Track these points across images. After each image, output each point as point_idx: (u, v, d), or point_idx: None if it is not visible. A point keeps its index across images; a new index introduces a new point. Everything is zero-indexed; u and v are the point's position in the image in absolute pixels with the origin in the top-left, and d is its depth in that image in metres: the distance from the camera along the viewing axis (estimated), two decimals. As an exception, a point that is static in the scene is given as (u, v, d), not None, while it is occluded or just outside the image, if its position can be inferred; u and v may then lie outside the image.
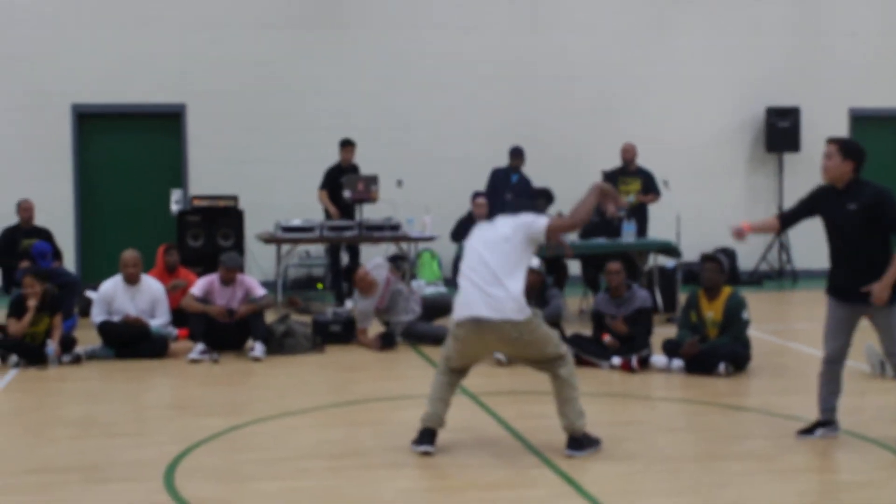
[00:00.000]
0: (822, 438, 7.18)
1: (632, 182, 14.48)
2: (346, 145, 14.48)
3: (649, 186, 14.54)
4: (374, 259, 11.92)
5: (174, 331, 10.95)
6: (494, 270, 6.76)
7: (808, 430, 7.26)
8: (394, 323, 11.28)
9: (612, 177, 14.47)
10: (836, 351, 7.23)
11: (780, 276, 17.49)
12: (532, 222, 6.86)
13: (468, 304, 6.82)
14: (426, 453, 6.85)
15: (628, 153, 14.57)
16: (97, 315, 10.69)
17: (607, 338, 10.05)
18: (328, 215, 14.25)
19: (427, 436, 6.94)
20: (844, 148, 7.04)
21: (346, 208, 14.18)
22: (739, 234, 7.39)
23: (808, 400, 8.51)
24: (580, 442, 6.85)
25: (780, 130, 17.37)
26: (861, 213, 6.94)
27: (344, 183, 13.94)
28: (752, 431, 7.68)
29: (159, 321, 10.72)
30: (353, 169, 14.43)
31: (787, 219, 7.49)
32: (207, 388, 9.29)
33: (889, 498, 6.04)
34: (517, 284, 6.75)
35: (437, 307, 11.68)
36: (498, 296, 6.70)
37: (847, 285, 7.06)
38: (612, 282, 10.12)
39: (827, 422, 7.26)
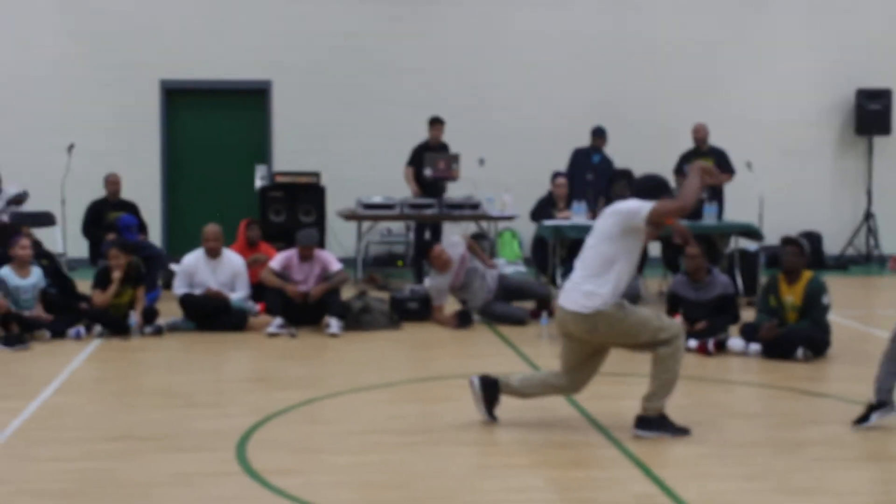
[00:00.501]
0: (879, 421, 6.99)
1: (705, 161, 14.28)
2: (435, 123, 14.49)
3: (723, 165, 14.35)
4: (450, 237, 11.94)
5: (255, 306, 11.09)
6: (586, 265, 6.82)
7: (863, 418, 7.05)
8: (471, 301, 11.30)
9: (685, 158, 14.34)
10: None
11: (868, 260, 17.15)
12: (634, 212, 6.71)
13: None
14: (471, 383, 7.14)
15: (699, 132, 14.43)
16: (179, 287, 10.87)
17: (678, 318, 9.96)
18: (414, 193, 14.30)
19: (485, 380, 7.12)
20: None
21: (428, 186, 14.20)
22: None
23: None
24: (648, 422, 6.81)
25: (871, 112, 17.02)
26: None
27: (426, 161, 13.98)
28: (829, 417, 7.56)
29: (239, 294, 10.88)
30: (442, 147, 14.44)
31: None
32: (284, 362, 9.41)
33: (966, 488, 5.94)
34: (605, 280, 6.72)
35: (515, 291, 11.60)
36: (580, 289, 6.76)
37: None
38: (690, 266, 10.03)
39: (882, 403, 7.04)
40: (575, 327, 6.79)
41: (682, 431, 6.86)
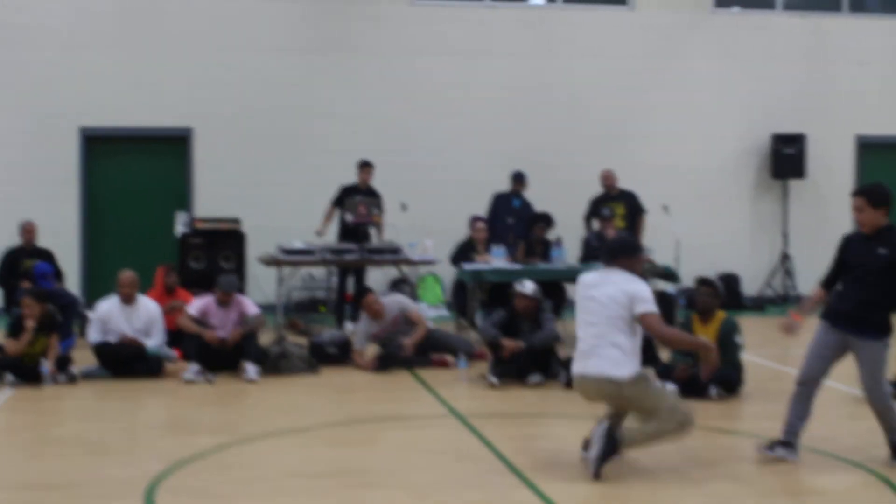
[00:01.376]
0: (782, 456, 7.21)
1: (616, 206, 14.54)
2: (365, 166, 14.51)
3: (634, 207, 14.59)
4: (397, 294, 11.84)
5: (173, 353, 10.98)
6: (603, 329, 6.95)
7: (769, 447, 7.30)
8: (393, 345, 11.24)
9: (597, 203, 14.54)
10: (813, 373, 7.28)
11: (785, 301, 17.42)
12: (639, 303, 6.92)
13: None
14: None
15: (608, 179, 14.79)
16: (93, 335, 10.75)
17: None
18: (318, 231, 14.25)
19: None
20: (872, 198, 7.08)
21: (349, 230, 14.18)
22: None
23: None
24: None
25: (786, 157, 17.35)
26: (890, 257, 7.03)
27: (346, 206, 13.98)
28: (739, 455, 7.65)
29: (154, 341, 10.77)
30: (370, 192, 14.45)
31: (829, 282, 7.52)
32: (199, 408, 9.32)
33: (868, 522, 6.03)
34: (626, 344, 6.92)
35: (438, 343, 11.49)
36: (605, 355, 6.91)
37: (845, 313, 7.16)
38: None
39: (787, 444, 7.28)
40: (599, 390, 7.04)
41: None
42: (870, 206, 7.05)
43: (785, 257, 17.44)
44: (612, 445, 6.81)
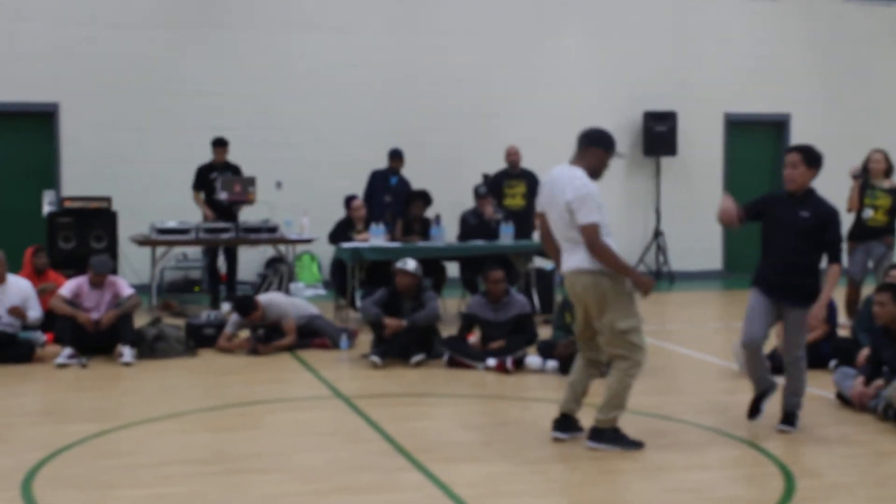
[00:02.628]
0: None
1: (517, 184, 14.57)
2: (219, 145, 14.27)
3: (535, 188, 14.61)
4: (279, 298, 11.49)
5: (42, 336, 10.65)
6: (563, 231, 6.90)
7: (755, 409, 7.55)
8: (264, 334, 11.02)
9: (496, 179, 14.55)
10: (755, 334, 7.36)
11: (658, 277, 17.73)
12: (580, 212, 6.76)
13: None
14: (555, 439, 7.11)
15: (513, 156, 14.67)
16: None
17: (472, 338, 10.08)
18: (205, 216, 14.02)
19: (559, 422, 7.13)
20: (808, 156, 7.16)
21: (221, 209, 13.96)
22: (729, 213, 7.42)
23: (678, 400, 8.69)
24: (601, 433, 6.93)
25: (658, 134, 17.63)
26: (811, 222, 7.14)
27: (220, 184, 13.75)
28: (624, 430, 7.73)
29: (34, 313, 10.42)
30: (227, 168, 14.22)
31: (749, 210, 7.61)
32: (74, 394, 9.05)
33: (755, 495, 6.13)
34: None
35: (316, 330, 11.35)
36: (582, 248, 6.81)
37: (776, 281, 7.29)
38: (494, 290, 10.14)
39: (765, 392, 7.55)
40: (582, 285, 6.89)
41: (635, 445, 6.94)
42: (804, 164, 7.12)
43: (658, 233, 17.73)
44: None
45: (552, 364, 9.69)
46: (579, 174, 6.90)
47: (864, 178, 11.61)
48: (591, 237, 6.74)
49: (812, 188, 7.23)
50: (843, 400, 8.23)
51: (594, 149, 7.04)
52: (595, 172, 7.02)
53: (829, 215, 7.15)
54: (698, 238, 18.23)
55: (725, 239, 18.48)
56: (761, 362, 7.47)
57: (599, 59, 17.77)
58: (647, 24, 17.98)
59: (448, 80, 17.07)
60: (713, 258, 18.44)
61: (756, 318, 7.35)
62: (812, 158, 7.17)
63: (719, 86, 18.26)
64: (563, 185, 6.89)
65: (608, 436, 6.93)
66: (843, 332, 10.55)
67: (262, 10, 16.42)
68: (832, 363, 9.48)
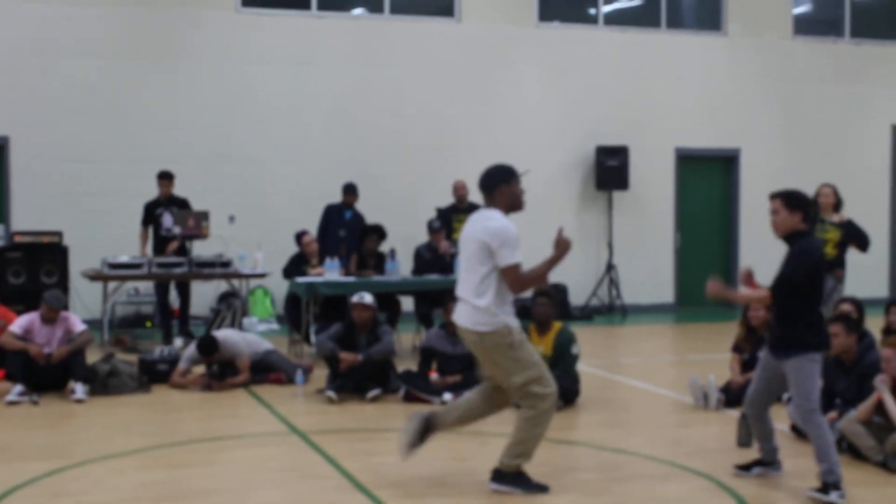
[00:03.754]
0: (756, 476, 7.20)
1: (465, 218, 14.52)
2: (164, 178, 14.21)
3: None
4: (233, 335, 11.37)
5: (-9, 373, 10.53)
6: (469, 279, 6.76)
7: (746, 467, 7.28)
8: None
9: (445, 214, 14.58)
10: (750, 392, 7.15)
11: (611, 310, 17.83)
12: (503, 254, 6.67)
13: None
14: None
15: (460, 190, 14.72)
16: None
17: (434, 375, 10.06)
18: (143, 254, 13.92)
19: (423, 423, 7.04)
20: (789, 201, 6.85)
21: (164, 242, 13.89)
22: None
23: (633, 433, 8.73)
24: (503, 476, 6.83)
25: (610, 169, 17.76)
26: (781, 269, 6.82)
27: (174, 218, 13.68)
28: (579, 464, 7.78)
29: None
30: (173, 202, 14.15)
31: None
32: (26, 432, 8.92)
33: (710, 528, 6.17)
34: (481, 291, 6.68)
35: (271, 365, 11.23)
36: (465, 301, 6.75)
37: (773, 337, 6.97)
38: (453, 323, 10.12)
39: (769, 462, 7.28)
40: (469, 341, 6.81)
41: (538, 488, 6.83)
42: (785, 209, 6.82)
43: (610, 267, 17.84)
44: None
45: (508, 398, 9.67)
46: (497, 215, 6.83)
47: (814, 213, 11.75)
48: (513, 278, 6.67)
49: (802, 230, 6.82)
50: (798, 432, 8.30)
51: (499, 188, 6.91)
52: (514, 206, 6.95)
53: (790, 254, 6.79)
54: (650, 272, 18.36)
55: (677, 272, 18.62)
56: (763, 424, 7.15)
57: (553, 94, 17.91)
58: (600, 59, 18.15)
59: (403, 115, 17.11)
60: (665, 292, 18.57)
61: (757, 377, 7.11)
62: (793, 202, 6.83)
63: (671, 121, 18.46)
64: (478, 224, 6.86)
65: (510, 479, 6.82)
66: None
67: (218, 41, 16.39)
68: (785, 396, 9.55)
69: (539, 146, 17.77)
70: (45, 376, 10.21)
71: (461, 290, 6.84)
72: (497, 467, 6.89)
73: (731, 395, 9.62)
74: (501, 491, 6.79)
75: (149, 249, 14.10)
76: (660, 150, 18.44)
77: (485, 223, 6.77)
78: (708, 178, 18.94)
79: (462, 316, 6.79)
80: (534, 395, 6.69)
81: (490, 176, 6.96)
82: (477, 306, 6.67)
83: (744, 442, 8.02)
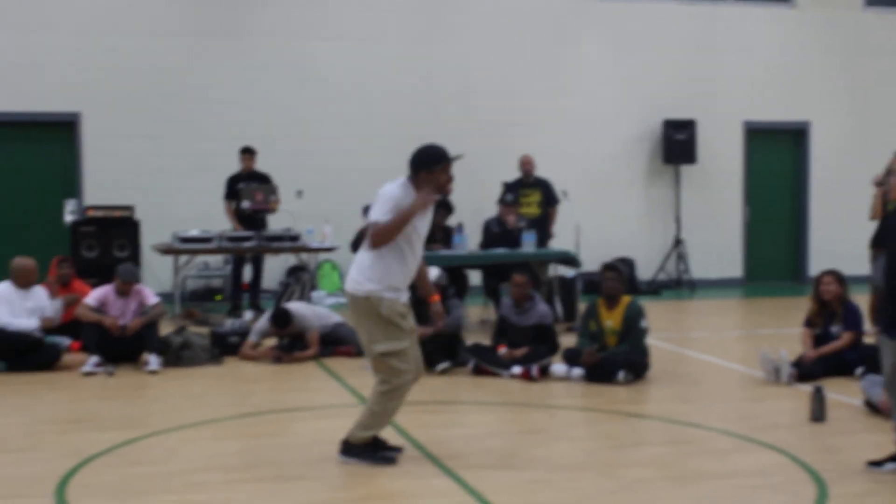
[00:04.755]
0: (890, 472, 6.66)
1: (531, 193, 14.60)
2: (246, 153, 14.34)
3: (549, 196, 14.68)
4: (305, 308, 11.42)
5: (66, 341, 10.70)
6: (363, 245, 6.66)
7: (879, 462, 6.71)
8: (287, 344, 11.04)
9: (512, 188, 14.57)
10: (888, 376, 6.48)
11: (678, 285, 17.72)
12: (372, 211, 6.50)
13: None
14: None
15: (527, 165, 14.71)
16: (3, 316, 10.33)
17: (503, 349, 10.05)
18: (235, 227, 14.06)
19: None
20: None
21: (246, 218, 14.00)
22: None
23: (705, 407, 8.68)
24: (350, 448, 6.78)
25: (677, 143, 17.61)
26: None
27: (242, 193, 13.79)
28: (651, 438, 7.74)
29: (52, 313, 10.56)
30: (254, 176, 14.27)
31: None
32: (102, 402, 9.08)
33: (784, 500, 6.11)
34: (370, 257, 6.57)
35: (340, 339, 11.32)
36: (355, 264, 6.67)
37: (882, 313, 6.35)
38: (515, 294, 10.16)
39: None
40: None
41: (385, 460, 6.76)
42: None
43: (678, 242, 17.71)
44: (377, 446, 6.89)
45: (577, 371, 9.68)
46: (396, 182, 6.61)
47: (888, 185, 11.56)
48: (372, 232, 6.44)
49: None
50: (872, 407, 8.20)
51: (419, 174, 6.58)
52: (438, 190, 6.61)
53: None
54: (718, 246, 18.21)
55: (746, 247, 18.45)
56: None
57: (619, 68, 17.78)
58: (667, 32, 17.98)
59: (469, 89, 17.10)
60: (733, 266, 18.41)
61: (886, 363, 6.37)
62: None
63: (739, 94, 18.25)
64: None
65: (357, 451, 6.76)
66: (869, 340, 10.51)
67: (285, 18, 16.47)
68: (859, 370, 9.45)
69: (605, 120, 17.67)
70: (119, 348, 10.38)
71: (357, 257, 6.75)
72: (346, 439, 6.80)
73: (803, 370, 9.53)
74: (349, 463, 6.75)
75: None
76: (728, 123, 18.25)
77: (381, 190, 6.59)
78: (777, 151, 18.72)
79: (347, 279, 6.72)
80: (391, 369, 6.63)
81: (414, 158, 6.63)
82: (359, 271, 6.60)
83: (817, 416, 7.94)
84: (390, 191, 6.55)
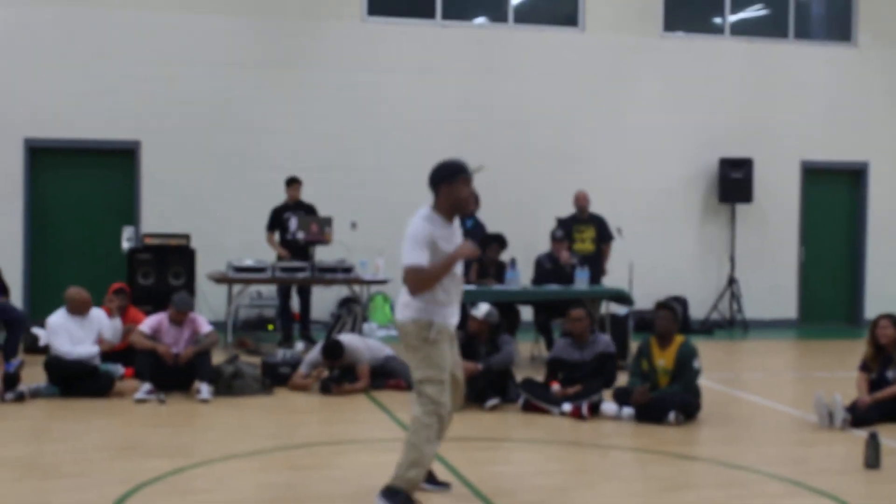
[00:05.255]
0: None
1: (586, 229, 14.56)
2: (292, 183, 14.47)
3: (603, 233, 14.64)
4: (357, 340, 11.44)
5: (121, 369, 10.81)
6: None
7: None
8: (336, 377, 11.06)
9: (566, 224, 14.54)
10: None
11: (731, 325, 17.57)
12: (404, 252, 6.45)
13: None
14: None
15: (581, 200, 14.68)
16: (63, 346, 10.43)
17: (556, 385, 10.02)
18: (279, 256, 14.17)
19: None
20: None
21: (295, 248, 14.08)
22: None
23: (756, 450, 8.57)
24: (394, 494, 6.42)
25: (733, 181, 17.50)
26: None
27: (297, 224, 13.88)
28: (701, 481, 7.67)
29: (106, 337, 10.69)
30: (300, 207, 14.37)
31: None
32: (153, 429, 9.14)
33: (836, 551, 6.03)
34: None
35: (390, 371, 11.29)
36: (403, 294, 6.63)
37: None
38: (575, 329, 10.13)
39: None
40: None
41: None
42: None
43: (732, 281, 17.58)
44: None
45: (628, 411, 9.61)
46: (420, 213, 6.59)
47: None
48: (408, 278, 6.40)
49: None
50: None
51: (440, 186, 6.58)
52: (456, 207, 6.61)
53: None
54: (773, 286, 18.05)
55: (801, 287, 18.28)
56: None
57: (676, 105, 17.73)
58: (724, 69, 17.92)
59: (525, 123, 17.12)
60: (788, 307, 18.23)
61: None
62: None
63: (796, 133, 18.13)
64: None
65: (402, 499, 6.39)
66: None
67: (340, 50, 16.60)
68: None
69: (661, 157, 17.62)
70: (172, 376, 10.46)
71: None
72: (389, 483, 6.47)
73: (858, 415, 9.40)
74: None
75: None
76: (785, 162, 18.13)
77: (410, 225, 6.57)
78: (834, 191, 18.55)
79: (396, 307, 6.70)
80: (426, 396, 6.47)
81: (434, 173, 6.64)
82: (405, 297, 6.56)
83: (871, 463, 7.82)
84: (417, 230, 6.46)
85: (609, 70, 17.51)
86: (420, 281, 6.35)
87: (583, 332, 10.12)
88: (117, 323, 10.96)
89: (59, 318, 10.67)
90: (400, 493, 6.41)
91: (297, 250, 14.08)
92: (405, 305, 6.58)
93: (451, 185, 6.55)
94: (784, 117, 18.11)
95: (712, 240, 17.85)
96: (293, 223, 14.04)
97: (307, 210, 14.36)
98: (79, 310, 10.64)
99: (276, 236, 14.33)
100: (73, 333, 10.55)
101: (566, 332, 10.32)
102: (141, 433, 9.03)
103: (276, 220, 14.34)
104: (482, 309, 10.39)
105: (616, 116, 17.50)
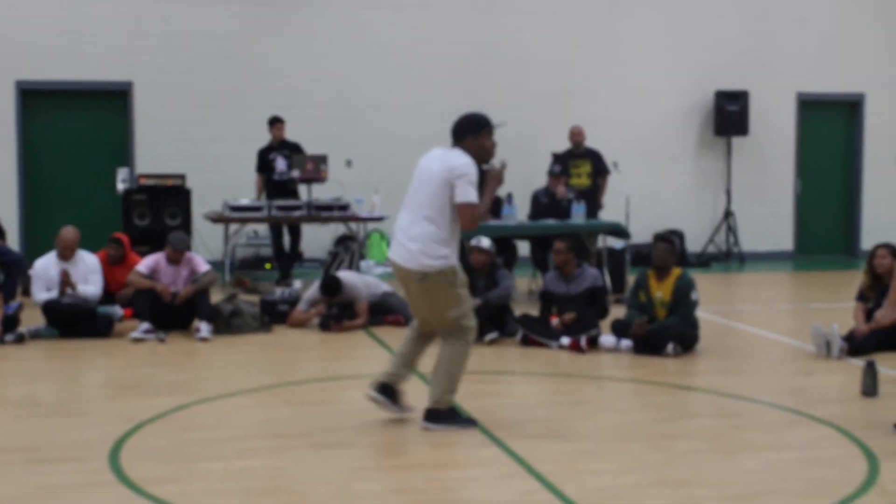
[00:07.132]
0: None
1: (581, 164, 14.53)
2: (276, 122, 14.45)
3: (599, 167, 14.61)
4: (356, 278, 11.43)
5: (120, 311, 10.83)
6: (417, 209, 6.77)
7: None
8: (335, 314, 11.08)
9: (562, 159, 14.50)
10: None
11: (728, 258, 17.61)
12: (461, 187, 6.64)
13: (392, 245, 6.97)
14: (371, 398, 7.07)
15: (577, 136, 14.64)
16: (38, 293, 10.52)
17: (556, 319, 10.05)
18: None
19: (379, 386, 7.08)
20: None
21: (278, 186, 14.08)
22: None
23: (754, 381, 8.63)
24: (437, 414, 6.85)
25: (729, 114, 17.44)
26: None
27: (292, 162, 13.85)
28: (700, 411, 7.73)
29: (92, 288, 10.63)
30: (285, 146, 14.34)
31: None
32: (152, 368, 9.18)
33: (836, 477, 6.06)
34: (435, 228, 6.70)
35: (387, 307, 11.32)
36: (414, 238, 6.72)
37: None
38: (556, 260, 10.16)
39: None
40: (410, 281, 6.85)
41: (469, 423, 6.90)
42: None
43: (728, 214, 17.59)
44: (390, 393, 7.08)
45: (626, 343, 9.66)
46: (460, 153, 6.79)
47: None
48: (469, 216, 6.69)
49: None
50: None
51: (466, 139, 6.87)
52: (480, 159, 6.88)
53: None
54: (769, 219, 18.05)
55: (797, 220, 18.28)
56: None
57: (671, 38, 17.61)
58: (720, 2, 17.77)
59: (521, 59, 17.02)
60: (784, 239, 18.24)
61: None
62: None
63: (792, 65, 18.02)
64: (439, 162, 6.81)
65: (444, 416, 6.85)
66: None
67: (336, -13, 16.46)
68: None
69: (657, 91, 17.53)
70: (170, 315, 10.49)
71: (406, 228, 6.81)
72: (429, 407, 6.88)
73: (855, 344, 9.45)
74: (435, 430, 6.81)
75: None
76: (781, 95, 18.04)
77: (448, 161, 6.75)
78: (830, 123, 18.49)
79: (405, 255, 6.77)
80: (463, 328, 6.83)
81: (459, 125, 6.93)
82: (427, 246, 6.68)
83: (868, 391, 7.87)
84: (471, 170, 6.70)
85: (604, 4, 17.37)
86: (476, 217, 6.71)
87: (563, 264, 10.12)
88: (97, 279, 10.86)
89: (43, 261, 10.67)
90: (442, 412, 6.86)
91: (286, 192, 14.05)
92: (426, 255, 6.69)
93: (476, 136, 6.89)
94: (780, 49, 17.99)
95: (708, 173, 17.82)
96: (280, 163, 14.01)
97: (292, 149, 14.32)
98: (62, 254, 10.63)
99: (265, 177, 14.30)
100: (53, 279, 10.54)
101: (556, 265, 10.35)
102: (141, 372, 9.06)
103: (263, 162, 14.31)
104: (484, 241, 10.41)
105: (612, 51, 17.39)
